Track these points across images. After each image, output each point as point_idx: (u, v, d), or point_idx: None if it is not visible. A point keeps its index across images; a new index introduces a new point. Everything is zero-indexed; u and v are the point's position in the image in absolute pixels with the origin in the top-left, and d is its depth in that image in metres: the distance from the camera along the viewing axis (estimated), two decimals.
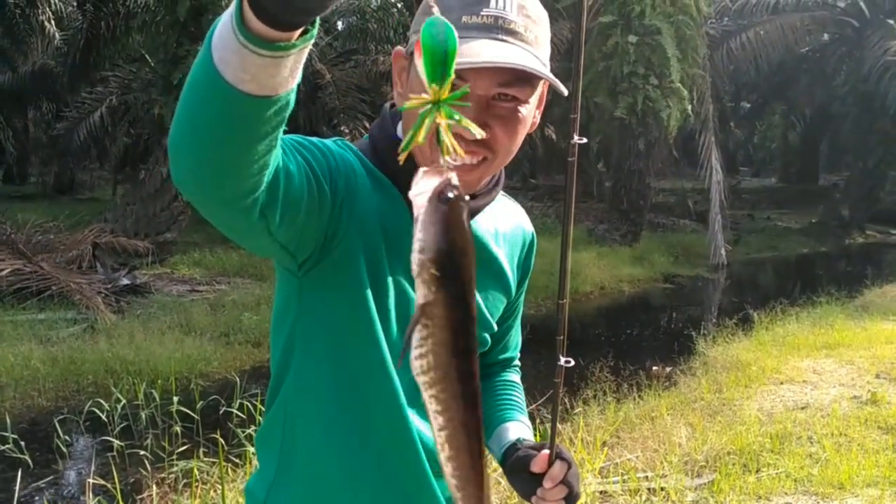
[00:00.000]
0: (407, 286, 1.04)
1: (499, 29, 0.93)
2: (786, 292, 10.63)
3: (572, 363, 1.15)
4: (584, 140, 1.12)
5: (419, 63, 0.61)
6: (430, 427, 0.70)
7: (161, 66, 12.30)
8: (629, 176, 16.02)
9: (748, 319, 8.41)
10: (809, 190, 27.71)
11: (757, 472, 4.03)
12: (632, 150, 15.56)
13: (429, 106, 0.63)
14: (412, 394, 1.02)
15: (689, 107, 15.02)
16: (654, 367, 7.16)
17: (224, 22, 0.70)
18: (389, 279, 1.02)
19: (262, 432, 1.16)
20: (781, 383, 5.93)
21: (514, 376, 1.36)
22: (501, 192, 1.18)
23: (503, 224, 1.19)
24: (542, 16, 1.00)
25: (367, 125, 16.21)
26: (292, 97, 0.76)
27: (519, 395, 1.32)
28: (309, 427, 1.08)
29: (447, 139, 0.63)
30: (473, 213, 1.08)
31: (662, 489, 3.69)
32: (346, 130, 16.05)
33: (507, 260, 1.20)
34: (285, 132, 0.84)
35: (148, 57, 15.27)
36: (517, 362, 1.39)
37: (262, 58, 0.69)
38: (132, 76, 15.61)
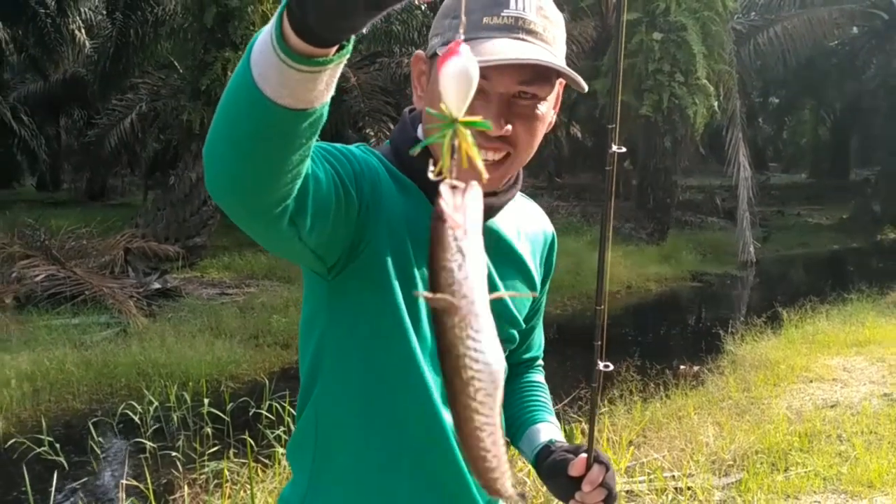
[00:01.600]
0: (407, 272, 1.05)
1: (519, 29, 0.97)
2: (816, 289, 10.50)
3: (611, 367, 1.20)
4: (623, 149, 1.18)
5: (444, 86, 0.63)
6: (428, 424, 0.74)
7: (189, 73, 12.46)
8: (655, 174, 15.94)
9: (777, 317, 8.33)
10: (840, 185, 27.34)
11: (785, 470, 4.01)
12: (658, 148, 15.47)
13: (449, 123, 0.64)
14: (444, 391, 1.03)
15: (716, 103, 14.91)
16: (682, 367, 7.12)
17: (263, 39, 0.73)
18: (418, 278, 1.03)
19: (293, 441, 1.18)
20: (811, 381, 5.88)
21: (539, 377, 1.38)
22: (520, 194, 1.22)
23: (525, 223, 1.23)
24: (558, 17, 1.04)
25: (392, 127, 16.30)
26: (326, 109, 0.79)
27: (545, 396, 1.34)
28: (342, 431, 1.09)
29: (465, 155, 0.65)
30: (495, 210, 1.12)
31: (689, 488, 3.69)
32: (372, 133, 16.13)
33: (531, 257, 1.22)
34: None
35: (176, 63, 15.48)
36: (541, 362, 1.41)
37: (300, 73, 0.71)
38: (161, 83, 15.83)
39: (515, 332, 1.21)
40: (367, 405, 1.07)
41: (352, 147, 1.06)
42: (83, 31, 19.73)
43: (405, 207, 1.05)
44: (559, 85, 1.05)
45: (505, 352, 1.02)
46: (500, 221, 1.16)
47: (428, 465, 1.09)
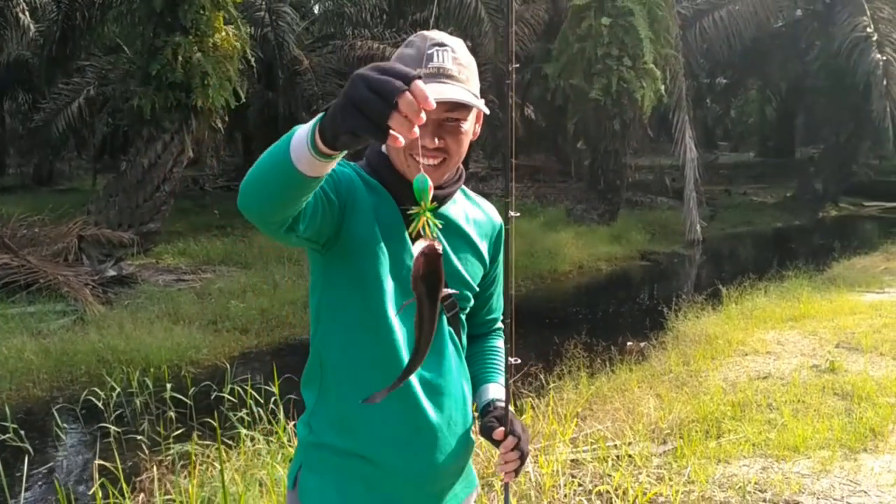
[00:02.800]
0: (395, 252, 1.47)
1: (441, 75, 1.41)
2: (757, 267, 10.95)
3: (519, 361, 1.64)
4: (518, 214, 1.61)
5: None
6: (403, 356, 1.43)
7: (138, 58, 12.32)
8: (606, 156, 16.29)
9: (719, 294, 8.71)
10: (786, 164, 28.08)
11: (718, 437, 4.32)
12: (608, 131, 15.80)
13: (419, 212, 1.20)
14: (403, 331, 1.47)
15: (663, 87, 15.27)
16: (629, 343, 7.44)
17: (301, 141, 1.15)
18: (384, 250, 1.46)
19: (305, 375, 1.59)
20: (746, 355, 6.23)
21: (499, 341, 1.77)
22: (473, 193, 1.69)
23: (472, 212, 1.64)
24: (470, 60, 1.46)
25: None
26: (325, 177, 1.23)
27: (500, 360, 1.73)
28: (336, 363, 1.51)
29: (427, 230, 1.20)
30: (444, 200, 1.54)
31: (629, 456, 3.97)
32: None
33: (478, 237, 1.61)
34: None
35: (125, 47, 15.25)
36: (500, 325, 1.79)
37: (321, 161, 1.15)
38: (110, 66, 15.58)
39: (468, 293, 1.59)
40: (350, 345, 1.49)
41: None
42: (27, 13, 19.22)
43: (373, 202, 1.48)
44: (476, 109, 1.46)
45: (464, 310, 1.61)
46: (451, 210, 1.58)
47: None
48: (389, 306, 1.45)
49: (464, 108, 1.42)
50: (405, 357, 1.44)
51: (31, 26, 18.97)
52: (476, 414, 1.67)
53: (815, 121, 27.13)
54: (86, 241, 10.47)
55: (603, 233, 14.95)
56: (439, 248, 1.17)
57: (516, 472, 1.60)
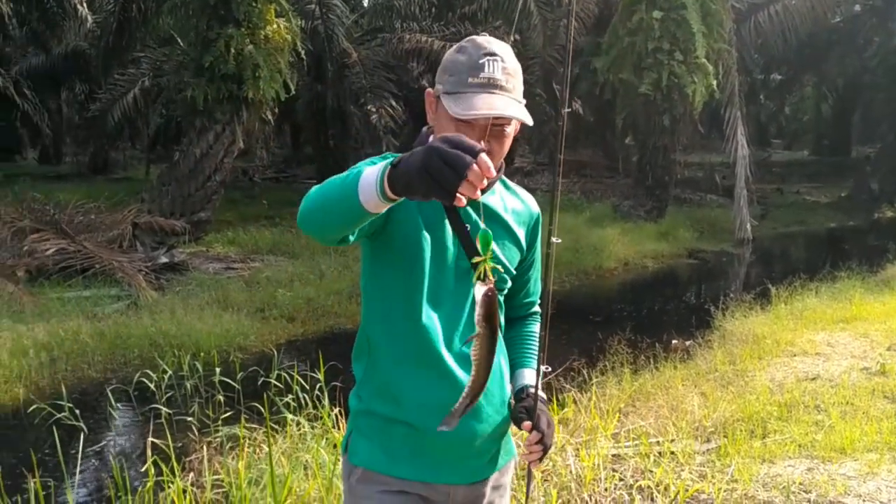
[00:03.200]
0: (437, 241, 1.59)
1: (491, 86, 1.51)
2: (809, 267, 10.74)
3: (549, 370, 1.78)
4: (559, 241, 1.74)
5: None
6: (442, 334, 1.60)
7: (192, 49, 12.56)
8: (654, 152, 16.09)
9: (768, 294, 8.57)
10: (841, 163, 27.39)
11: (763, 437, 4.27)
12: (657, 126, 15.61)
13: (482, 261, 1.38)
14: (438, 315, 1.61)
15: (715, 82, 15.02)
16: (674, 341, 7.37)
17: (370, 186, 1.29)
18: (426, 238, 1.58)
19: (355, 350, 1.73)
20: (794, 355, 6.13)
21: (536, 326, 1.87)
22: (513, 184, 1.79)
23: (511, 201, 1.74)
24: (517, 68, 1.56)
25: (394, 104, 16.39)
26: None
27: (536, 345, 1.82)
28: (380, 340, 1.65)
29: (488, 273, 1.37)
30: (484, 191, 1.61)
31: (672, 453, 3.95)
32: (373, 109, 16.26)
33: (516, 224, 1.71)
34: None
35: (179, 39, 15.57)
36: (537, 308, 1.89)
37: (384, 203, 1.31)
38: (164, 58, 15.93)
39: (506, 276, 1.69)
40: (392, 324, 1.63)
41: (374, 158, 1.58)
42: (85, 5, 19.75)
43: None
44: (516, 122, 1.58)
45: (501, 291, 1.70)
46: (490, 199, 1.67)
47: (426, 361, 1.61)
48: (427, 292, 1.59)
49: (508, 118, 1.54)
50: (439, 339, 1.60)
51: (89, 17, 19.50)
52: (511, 396, 1.77)
53: (872, 118, 26.34)
54: (139, 228, 10.76)
55: (650, 230, 14.78)
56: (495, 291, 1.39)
57: (539, 460, 1.72)
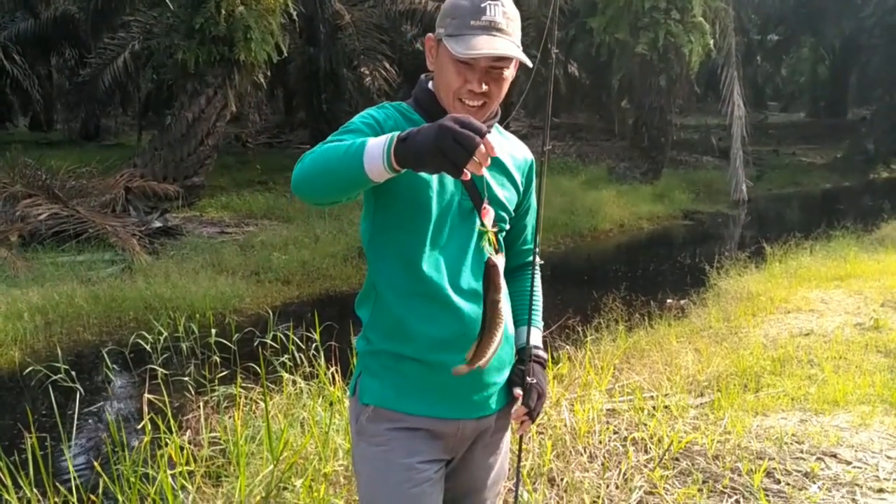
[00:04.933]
0: (440, 184, 1.62)
1: (492, 28, 1.55)
2: (803, 227, 10.72)
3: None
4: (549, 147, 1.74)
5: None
6: (446, 273, 1.64)
7: (182, 11, 12.36)
8: (650, 113, 16.01)
9: (762, 253, 8.57)
10: (837, 124, 27.32)
11: (756, 391, 4.29)
12: (653, 87, 15.51)
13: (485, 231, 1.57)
14: (441, 259, 1.65)
15: (712, 41, 14.89)
16: (669, 300, 7.39)
17: (375, 159, 1.36)
18: (429, 183, 1.61)
19: (360, 296, 1.76)
20: (788, 312, 6.15)
21: (536, 279, 1.87)
22: (509, 133, 1.84)
23: (507, 145, 1.79)
24: (516, 14, 1.61)
25: (387, 66, 16.20)
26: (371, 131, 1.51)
27: (538, 301, 1.87)
28: (385, 283, 1.68)
29: (493, 244, 1.56)
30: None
31: (666, 407, 3.97)
32: (367, 72, 16.09)
33: (513, 167, 1.76)
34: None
35: (169, 2, 15.33)
36: (538, 258, 1.89)
37: (390, 174, 1.38)
38: (154, 21, 15.69)
39: (505, 215, 1.73)
40: (398, 268, 1.65)
41: (371, 110, 1.65)
42: None
43: None
44: (514, 62, 1.63)
45: (502, 231, 1.73)
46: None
47: (431, 298, 1.65)
48: (432, 233, 1.62)
49: (508, 59, 1.59)
50: (444, 278, 1.66)
51: None
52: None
53: (868, 80, 26.21)
54: (132, 193, 10.69)
55: (645, 191, 14.76)
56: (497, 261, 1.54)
57: (527, 422, 1.78)
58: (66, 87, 23.63)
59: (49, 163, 11.76)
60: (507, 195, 1.73)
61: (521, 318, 1.84)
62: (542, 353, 1.82)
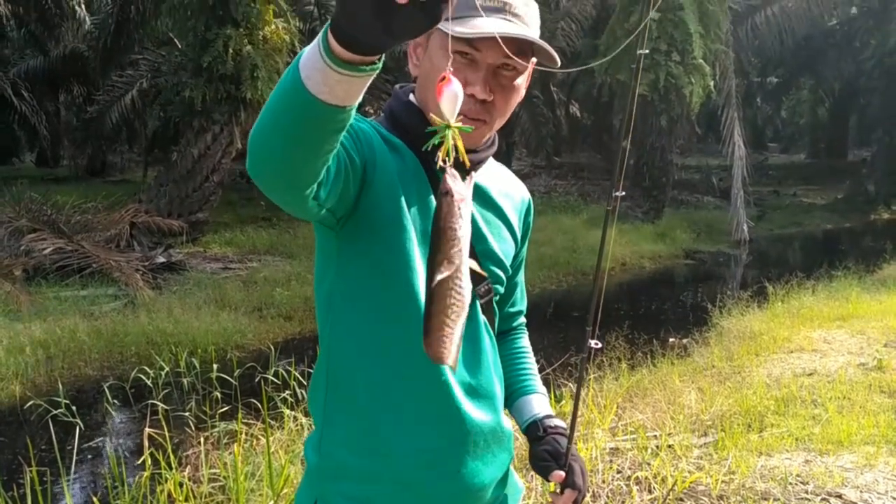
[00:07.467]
0: (424, 223, 1.23)
1: (506, 11, 1.19)
2: (805, 267, 10.75)
3: (599, 345, 1.47)
4: (623, 193, 1.46)
5: (443, 104, 0.92)
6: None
7: (190, 50, 12.57)
8: (651, 153, 16.13)
9: (764, 292, 8.58)
10: (837, 166, 27.48)
11: (760, 431, 4.27)
12: (654, 127, 15.65)
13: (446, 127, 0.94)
14: None
15: (712, 83, 15.06)
16: (672, 339, 7.38)
17: (311, 48, 0.91)
18: (409, 220, 1.21)
19: (311, 385, 1.35)
20: (791, 352, 6.13)
21: (525, 340, 1.56)
22: (501, 164, 1.46)
23: (503, 183, 1.42)
24: (534, 3, 1.27)
25: None
26: (354, 110, 0.97)
27: (532, 363, 1.52)
28: (351, 363, 1.26)
29: (453, 148, 0.95)
30: (477, 165, 1.31)
31: (669, 446, 3.95)
32: (371, 110, 16.27)
33: (511, 211, 1.40)
34: None
35: (177, 40, 15.58)
36: (523, 319, 1.57)
37: (338, 75, 0.88)
38: (162, 59, 15.92)
39: (501, 274, 1.37)
40: (370, 338, 1.24)
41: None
42: (83, 6, 19.76)
43: (395, 162, 1.23)
44: (531, 64, 1.25)
45: (497, 295, 1.36)
46: (484, 180, 1.36)
47: (423, 391, 1.24)
48: (420, 288, 1.20)
49: (525, 55, 1.20)
50: (445, 368, 1.24)
51: (87, 19, 19.50)
52: (514, 425, 1.46)
53: (868, 122, 26.43)
54: (137, 228, 10.75)
55: (647, 231, 14.80)
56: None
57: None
58: (74, 123, 23.88)
59: (55, 198, 11.86)
60: (504, 248, 1.37)
61: (523, 385, 1.48)
62: (559, 421, 1.43)
